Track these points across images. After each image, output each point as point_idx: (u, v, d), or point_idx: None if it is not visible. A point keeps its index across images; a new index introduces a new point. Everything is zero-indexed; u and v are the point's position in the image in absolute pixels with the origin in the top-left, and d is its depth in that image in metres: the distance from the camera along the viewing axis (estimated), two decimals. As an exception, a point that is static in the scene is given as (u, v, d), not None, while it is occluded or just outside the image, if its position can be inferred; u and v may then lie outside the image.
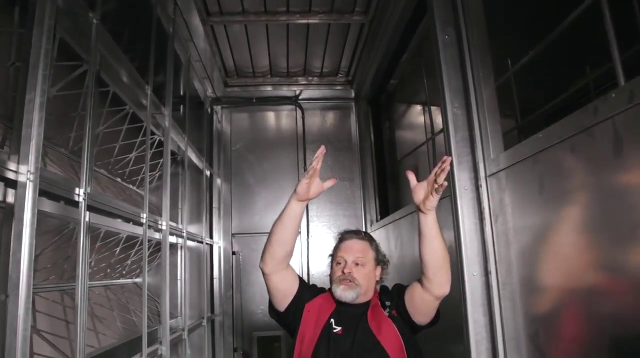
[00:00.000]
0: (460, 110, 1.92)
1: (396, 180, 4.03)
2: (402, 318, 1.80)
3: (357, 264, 1.90)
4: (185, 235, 3.06)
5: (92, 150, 1.71)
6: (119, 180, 2.90)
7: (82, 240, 1.54)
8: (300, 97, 4.48)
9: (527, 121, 2.34)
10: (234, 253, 4.22)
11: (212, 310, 3.96)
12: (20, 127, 1.28)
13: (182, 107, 3.35)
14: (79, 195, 1.53)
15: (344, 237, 2.02)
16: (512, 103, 2.26)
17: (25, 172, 1.21)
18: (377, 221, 3.92)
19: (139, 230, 2.43)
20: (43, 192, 1.35)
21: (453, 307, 1.98)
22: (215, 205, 4.16)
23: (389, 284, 2.01)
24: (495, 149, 1.78)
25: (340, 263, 1.92)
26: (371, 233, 3.96)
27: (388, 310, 1.86)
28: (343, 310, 1.90)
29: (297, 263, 4.18)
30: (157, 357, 2.37)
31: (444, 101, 1.96)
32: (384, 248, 3.43)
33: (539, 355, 1.53)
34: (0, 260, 1.37)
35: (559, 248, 1.42)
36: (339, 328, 1.87)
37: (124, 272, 3.03)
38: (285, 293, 1.95)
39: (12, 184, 1.22)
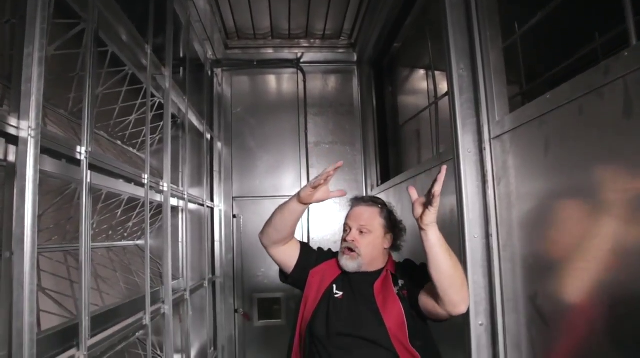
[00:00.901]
0: (466, 71, 1.89)
1: (397, 145, 4.01)
2: (411, 303, 1.78)
3: (362, 232, 1.89)
4: (186, 197, 3.06)
5: (92, 110, 1.69)
6: (118, 142, 2.88)
7: (85, 199, 1.54)
8: (302, 60, 4.39)
9: (531, 87, 2.31)
10: (234, 216, 4.23)
11: (213, 272, 4.00)
12: (19, 82, 1.26)
13: (181, 69, 3.30)
14: (80, 153, 1.51)
15: (352, 203, 2.03)
16: (517, 69, 2.23)
17: (26, 128, 1.20)
18: (378, 185, 3.92)
19: (140, 192, 2.43)
20: (44, 150, 1.33)
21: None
22: (215, 168, 4.14)
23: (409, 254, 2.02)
24: (500, 111, 1.76)
25: (346, 231, 1.94)
26: (372, 198, 3.99)
27: (398, 288, 1.84)
28: (348, 276, 1.91)
29: (298, 227, 4.19)
30: (159, 315, 2.41)
31: (449, 62, 1.92)
32: (383, 212, 3.45)
33: (537, 316, 1.55)
34: (3, 218, 1.38)
35: (562, 212, 1.42)
36: (340, 293, 1.89)
37: (125, 234, 3.05)
38: (286, 264, 2.01)
39: (13, 140, 1.21)
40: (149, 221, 2.27)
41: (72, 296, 2.08)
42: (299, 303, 2.00)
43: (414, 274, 1.85)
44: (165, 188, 2.52)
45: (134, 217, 2.85)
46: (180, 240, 3.29)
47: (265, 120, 4.35)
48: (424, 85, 3.45)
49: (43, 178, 1.53)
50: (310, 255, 2.06)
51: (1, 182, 1.50)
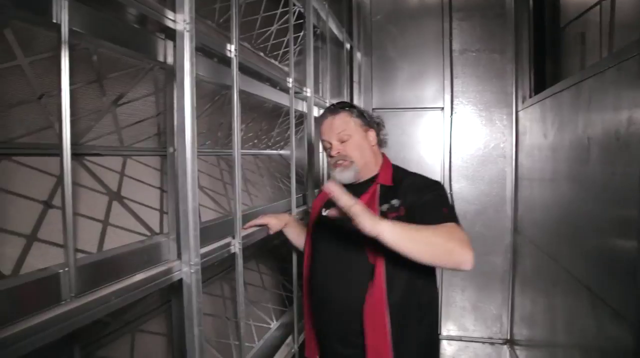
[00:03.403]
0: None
1: (556, 51, 3.54)
2: None
3: (343, 141, 1.76)
4: (328, 104, 3.06)
5: (239, 17, 1.69)
6: (261, 54, 2.93)
7: (235, 99, 1.58)
8: (447, -41, 3.98)
9: None
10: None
11: (353, 183, 4.05)
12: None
13: (320, -24, 3.19)
14: (230, 51, 1.54)
15: (319, 119, 1.89)
16: None
17: (181, 21, 1.23)
18: (530, 96, 3.55)
19: (284, 100, 2.47)
20: (198, 48, 1.37)
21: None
22: (355, 79, 4.06)
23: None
24: None
25: (327, 148, 1.84)
26: (522, 111, 3.65)
27: (387, 207, 1.64)
28: None
29: (439, 142, 4.03)
30: (305, 216, 2.51)
31: None
32: (538, 127, 3.15)
33: None
34: (166, 119, 1.48)
35: None
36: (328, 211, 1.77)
37: (270, 143, 3.18)
38: None
39: (171, 35, 1.25)
40: (294, 128, 2.31)
41: (225, 195, 2.25)
42: None
43: (420, 197, 1.60)
44: (309, 94, 2.52)
45: (277, 126, 2.94)
46: (320, 150, 3.35)
47: (407, 28, 4.09)
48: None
49: (198, 82, 1.60)
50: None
51: (163, 84, 1.61)
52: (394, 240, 1.35)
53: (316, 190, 3.67)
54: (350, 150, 1.75)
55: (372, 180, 1.79)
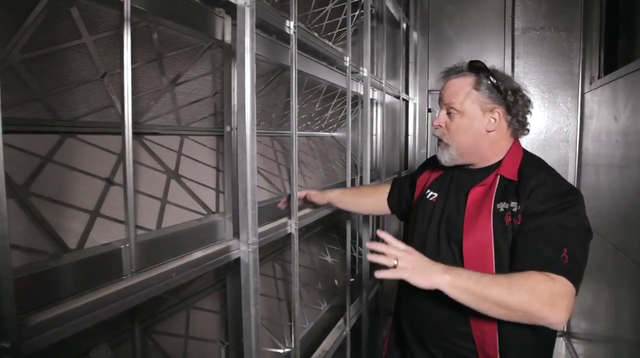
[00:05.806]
0: None
1: (631, 27, 3.28)
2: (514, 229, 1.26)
3: (450, 113, 1.38)
4: (384, 85, 2.99)
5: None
6: (315, 34, 2.88)
7: (294, 75, 1.55)
8: None
9: None
10: (429, 110, 4.05)
11: (406, 166, 3.98)
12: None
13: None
14: (289, 27, 1.51)
15: (443, 76, 1.47)
16: None
17: (242, -5, 1.21)
18: (600, 77, 3.33)
19: (338, 81, 2.42)
20: (257, 25, 1.34)
21: None
22: (411, 59, 3.93)
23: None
24: None
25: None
26: (590, 93, 3.43)
27: (504, 207, 1.27)
28: (451, 174, 1.49)
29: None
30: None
31: None
32: (607, 109, 2.95)
33: None
34: (224, 98, 1.47)
35: None
36: (434, 195, 1.48)
37: (323, 125, 3.15)
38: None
39: (232, 10, 1.23)
40: (350, 110, 2.26)
41: (279, 176, 2.24)
42: None
43: (539, 228, 1.21)
44: (365, 74, 2.47)
45: (331, 107, 2.90)
46: (373, 133, 3.30)
47: (465, 6, 3.90)
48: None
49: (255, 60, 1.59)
50: (402, 183, 1.80)
51: (220, 63, 1.60)
52: (457, 297, 1.13)
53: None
54: (452, 130, 1.38)
55: (493, 168, 1.39)
